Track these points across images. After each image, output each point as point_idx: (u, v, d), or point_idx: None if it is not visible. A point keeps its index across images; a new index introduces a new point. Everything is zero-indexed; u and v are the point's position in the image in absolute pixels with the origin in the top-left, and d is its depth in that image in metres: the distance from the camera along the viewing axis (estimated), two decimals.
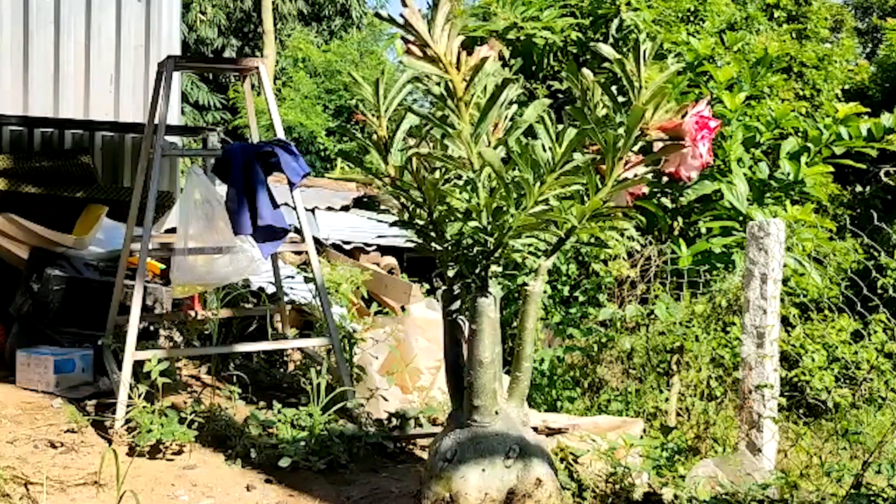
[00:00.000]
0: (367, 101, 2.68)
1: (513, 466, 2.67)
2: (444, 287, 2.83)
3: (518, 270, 5.57)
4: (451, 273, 2.70)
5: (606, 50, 2.59)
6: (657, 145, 2.56)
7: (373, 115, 2.69)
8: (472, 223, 2.59)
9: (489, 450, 2.67)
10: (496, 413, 2.71)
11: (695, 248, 5.99)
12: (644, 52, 2.48)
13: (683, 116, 2.52)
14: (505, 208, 2.51)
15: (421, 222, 2.71)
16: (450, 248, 2.69)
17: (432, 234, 2.70)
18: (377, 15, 2.69)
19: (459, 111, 2.51)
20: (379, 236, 8.04)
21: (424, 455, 3.77)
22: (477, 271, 2.65)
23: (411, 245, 2.97)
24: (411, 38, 2.49)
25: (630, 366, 5.48)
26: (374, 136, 2.70)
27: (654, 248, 5.88)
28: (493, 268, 2.68)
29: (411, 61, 2.50)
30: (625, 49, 7.22)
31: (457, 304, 2.78)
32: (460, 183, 2.69)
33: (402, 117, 2.72)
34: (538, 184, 2.47)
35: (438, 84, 2.64)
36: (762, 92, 7.03)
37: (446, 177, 2.72)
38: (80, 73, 6.75)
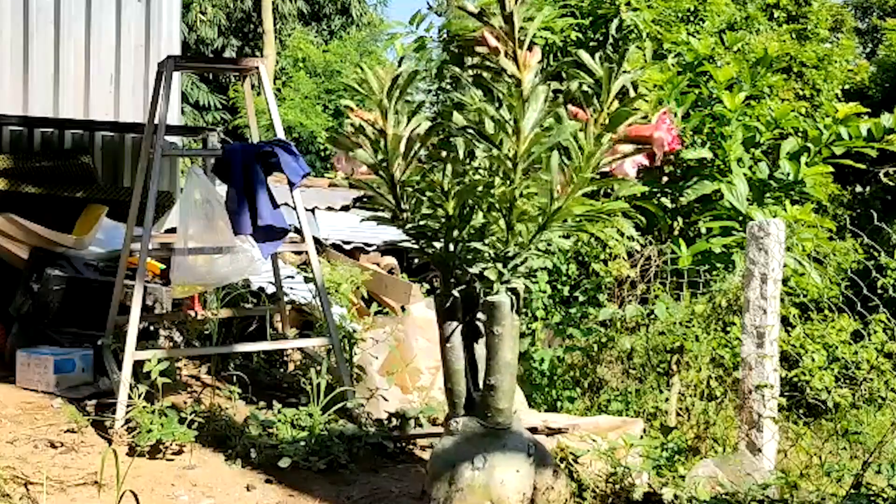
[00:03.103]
0: (380, 102, 2.65)
1: (533, 463, 2.71)
2: (439, 291, 2.81)
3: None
4: (475, 270, 2.67)
5: (585, 58, 2.65)
6: (619, 148, 2.59)
7: (381, 114, 2.67)
8: (502, 223, 2.60)
9: (516, 450, 2.69)
10: (514, 413, 2.74)
11: (695, 248, 5.98)
12: (627, 56, 2.55)
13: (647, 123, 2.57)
14: (542, 207, 2.54)
15: (434, 224, 2.71)
16: (465, 249, 2.69)
17: (440, 236, 2.70)
18: (460, 8, 2.71)
19: (523, 111, 2.52)
20: (376, 239, 8.04)
21: (425, 455, 3.76)
22: (506, 271, 2.64)
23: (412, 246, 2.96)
24: (502, 35, 2.51)
25: (630, 366, 5.47)
26: (381, 135, 2.68)
27: (654, 248, 5.87)
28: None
29: (503, 61, 2.52)
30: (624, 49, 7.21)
31: (459, 307, 2.77)
32: (464, 182, 2.68)
33: (413, 112, 2.71)
34: (577, 181, 2.51)
35: (451, 83, 2.64)
36: (762, 92, 7.02)
37: (446, 176, 2.71)
38: (80, 73, 6.75)
